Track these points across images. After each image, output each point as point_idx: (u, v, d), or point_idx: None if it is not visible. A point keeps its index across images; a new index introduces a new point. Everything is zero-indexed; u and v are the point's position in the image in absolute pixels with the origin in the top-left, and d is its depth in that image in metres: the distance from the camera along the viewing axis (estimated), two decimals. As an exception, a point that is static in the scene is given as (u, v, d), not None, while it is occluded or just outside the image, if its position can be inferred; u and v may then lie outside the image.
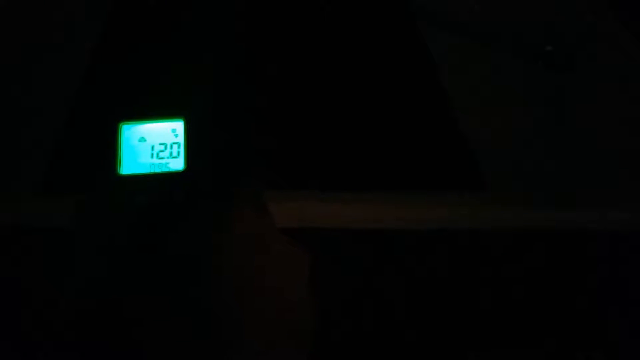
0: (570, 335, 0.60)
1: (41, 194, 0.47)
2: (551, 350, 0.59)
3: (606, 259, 0.63)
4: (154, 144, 0.48)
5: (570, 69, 0.73)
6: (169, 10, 0.59)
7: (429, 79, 0.66)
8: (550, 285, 0.62)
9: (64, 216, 0.45)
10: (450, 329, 0.59)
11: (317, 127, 0.57)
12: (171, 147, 0.48)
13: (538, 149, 0.63)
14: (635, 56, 0.77)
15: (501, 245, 0.61)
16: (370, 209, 0.54)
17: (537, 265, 0.62)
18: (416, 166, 0.58)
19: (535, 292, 0.61)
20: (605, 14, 0.81)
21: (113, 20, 0.56)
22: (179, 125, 0.49)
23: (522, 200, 0.58)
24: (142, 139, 0.48)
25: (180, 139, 0.48)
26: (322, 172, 0.54)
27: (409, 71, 0.67)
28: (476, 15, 0.75)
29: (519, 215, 0.58)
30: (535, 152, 0.62)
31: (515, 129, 0.65)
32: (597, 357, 0.58)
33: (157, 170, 0.47)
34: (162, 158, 0.48)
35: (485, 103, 0.67)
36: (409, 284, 0.59)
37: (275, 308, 0.41)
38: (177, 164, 0.47)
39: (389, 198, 0.54)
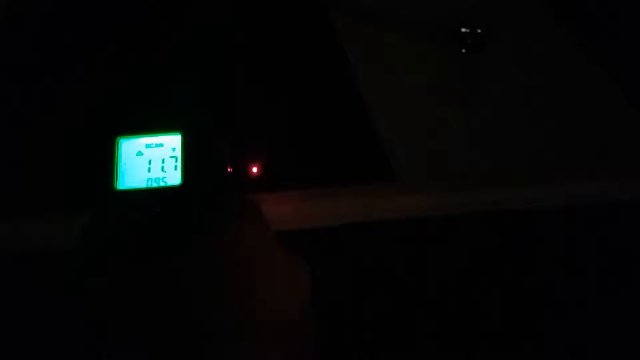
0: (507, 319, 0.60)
1: (39, 214, 0.47)
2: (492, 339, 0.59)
3: (527, 237, 0.63)
4: (151, 158, 0.48)
5: (484, 48, 0.73)
6: (166, 22, 0.58)
7: (340, 70, 0.64)
8: (481, 267, 0.62)
9: (62, 237, 0.45)
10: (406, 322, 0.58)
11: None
12: (169, 161, 0.48)
13: (453, 133, 0.62)
14: (551, 34, 0.77)
15: (421, 232, 0.61)
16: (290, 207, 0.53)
17: (463, 249, 0.62)
18: (330, 161, 0.57)
19: (467, 275, 0.61)
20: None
21: (109, 31, 0.56)
22: (176, 139, 0.48)
23: (436, 186, 0.57)
24: (139, 153, 0.48)
25: (178, 152, 0.48)
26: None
27: (320, 62, 0.65)
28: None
29: (434, 202, 0.58)
30: (449, 136, 0.62)
31: (430, 114, 0.64)
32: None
33: (154, 185, 0.46)
34: (159, 172, 0.47)
35: (400, 91, 0.67)
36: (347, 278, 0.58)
37: (276, 327, 0.40)
38: (174, 178, 0.47)
39: (307, 195, 0.53)
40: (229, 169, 0.51)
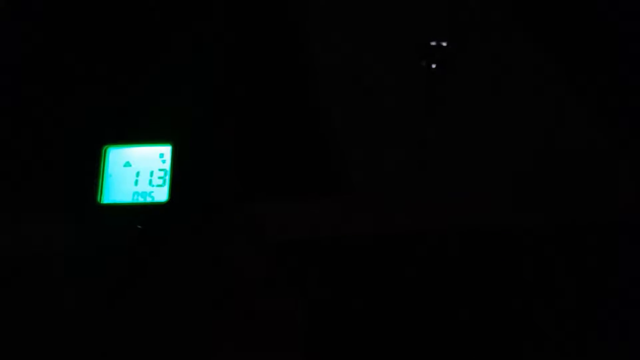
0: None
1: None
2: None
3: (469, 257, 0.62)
4: (140, 170, 0.45)
5: (454, 63, 0.71)
6: (158, 32, 0.56)
7: (301, 78, 0.62)
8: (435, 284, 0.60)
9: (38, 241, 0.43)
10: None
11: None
12: (157, 173, 0.45)
13: (420, 149, 0.61)
14: (521, 47, 0.74)
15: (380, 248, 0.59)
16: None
17: (411, 265, 0.60)
18: (284, 172, 0.55)
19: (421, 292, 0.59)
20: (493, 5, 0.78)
21: (100, 39, 0.53)
22: (166, 150, 0.46)
23: (386, 202, 0.56)
24: (127, 164, 0.46)
25: (167, 165, 0.45)
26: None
27: (284, 71, 0.62)
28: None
29: (390, 218, 0.56)
30: (415, 152, 0.60)
31: (397, 130, 0.62)
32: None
33: (140, 200, 0.44)
34: (146, 186, 0.45)
35: (368, 106, 0.65)
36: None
37: (262, 333, 0.40)
38: (162, 194, 0.44)
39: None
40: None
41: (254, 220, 0.47)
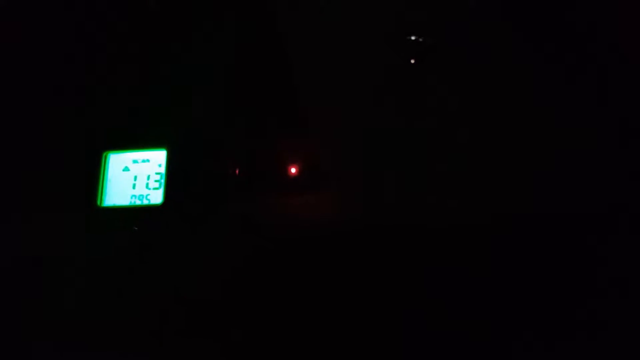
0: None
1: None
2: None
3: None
4: (137, 174, 0.49)
5: (432, 58, 0.70)
6: (155, 40, 0.58)
7: (287, 77, 0.60)
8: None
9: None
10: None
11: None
12: (154, 177, 0.48)
13: (396, 145, 0.60)
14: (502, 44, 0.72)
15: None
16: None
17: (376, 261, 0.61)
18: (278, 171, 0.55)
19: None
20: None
21: (98, 46, 0.55)
22: (162, 155, 0.49)
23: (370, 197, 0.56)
24: (126, 169, 0.49)
25: (163, 169, 0.48)
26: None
27: (268, 69, 0.60)
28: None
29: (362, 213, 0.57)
30: (390, 148, 0.60)
31: (374, 126, 0.62)
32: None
33: (137, 203, 0.47)
34: (143, 189, 0.48)
35: (346, 101, 0.64)
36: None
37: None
38: (157, 196, 0.47)
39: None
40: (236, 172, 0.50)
41: (249, 217, 0.49)
